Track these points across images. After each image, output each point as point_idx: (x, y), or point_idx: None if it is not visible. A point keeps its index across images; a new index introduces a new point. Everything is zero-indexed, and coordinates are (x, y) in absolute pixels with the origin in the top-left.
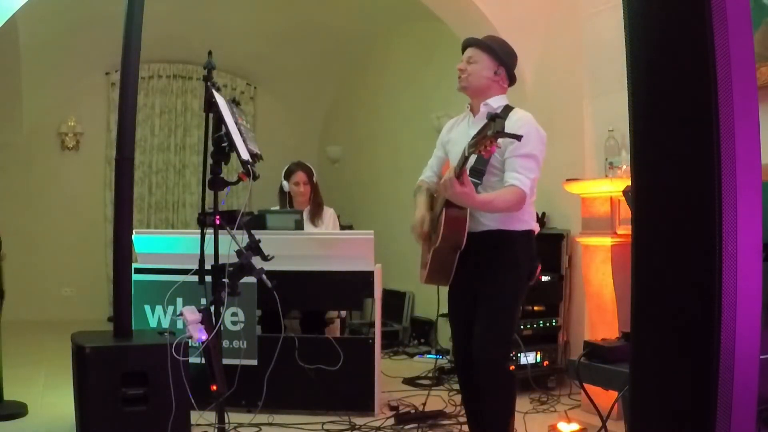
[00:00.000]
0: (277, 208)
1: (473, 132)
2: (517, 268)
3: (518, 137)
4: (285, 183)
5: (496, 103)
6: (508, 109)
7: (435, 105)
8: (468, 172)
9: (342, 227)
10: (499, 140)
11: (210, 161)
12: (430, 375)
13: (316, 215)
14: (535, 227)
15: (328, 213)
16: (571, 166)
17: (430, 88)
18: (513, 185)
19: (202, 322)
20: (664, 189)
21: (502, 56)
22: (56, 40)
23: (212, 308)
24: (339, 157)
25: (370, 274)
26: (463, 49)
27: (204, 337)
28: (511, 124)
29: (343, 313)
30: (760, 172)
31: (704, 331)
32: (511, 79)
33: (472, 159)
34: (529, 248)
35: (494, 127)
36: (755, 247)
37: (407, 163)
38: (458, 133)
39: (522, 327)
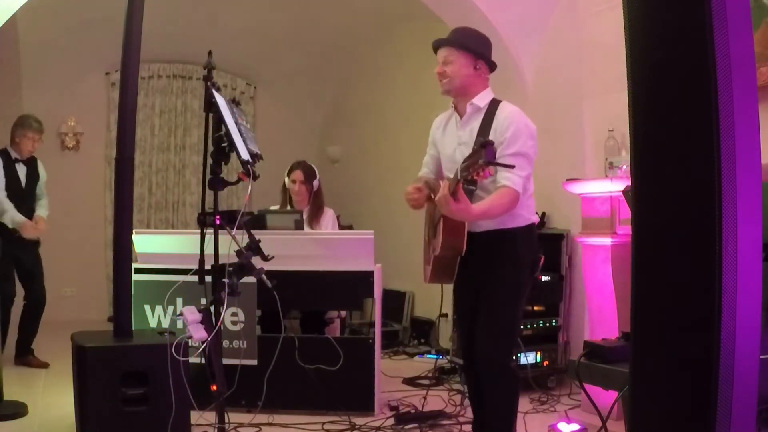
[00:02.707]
0: (278, 206)
1: (463, 133)
2: (519, 263)
3: (511, 166)
4: (286, 179)
5: (483, 101)
6: (495, 103)
7: (435, 105)
8: (462, 184)
9: (342, 227)
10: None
11: (210, 161)
12: (430, 375)
13: (314, 219)
14: (535, 219)
15: (327, 215)
16: (571, 166)
17: (430, 87)
18: (505, 186)
19: (202, 322)
20: (664, 189)
21: (477, 48)
22: (56, 40)
23: (212, 308)
24: (339, 157)
25: (370, 274)
26: (435, 50)
27: (204, 337)
28: (498, 123)
29: (343, 313)
30: (760, 172)
31: (704, 331)
32: (491, 67)
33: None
34: (530, 242)
35: (485, 157)
36: (755, 247)
37: (407, 163)
38: (448, 135)
39: (522, 327)
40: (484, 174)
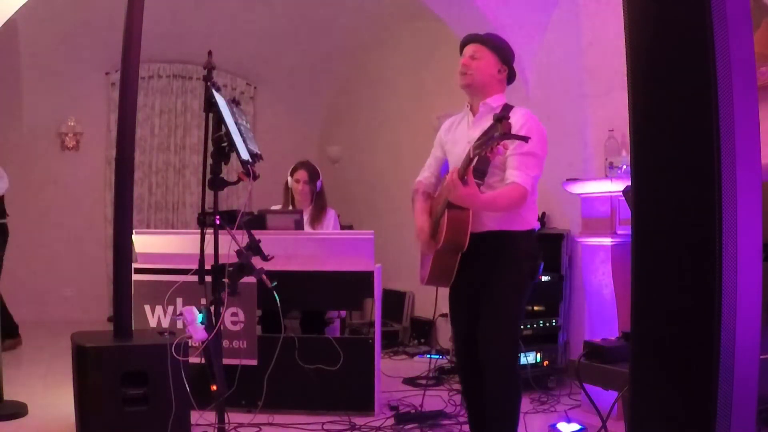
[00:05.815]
0: (279, 206)
1: (474, 132)
2: (520, 267)
3: (525, 139)
4: (289, 179)
5: (496, 102)
6: (508, 107)
7: (435, 105)
8: (473, 169)
9: (342, 227)
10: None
11: (210, 161)
12: (430, 375)
13: (316, 220)
14: (537, 225)
15: (329, 216)
16: (571, 166)
17: (430, 88)
18: (514, 182)
19: (202, 322)
20: (664, 189)
21: (506, 55)
22: (56, 40)
23: (212, 308)
24: (339, 157)
25: (370, 274)
26: (464, 45)
27: (204, 337)
28: (512, 124)
29: (343, 313)
30: (760, 172)
31: (704, 331)
32: (510, 79)
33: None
34: (531, 247)
35: (501, 129)
36: (755, 247)
37: (407, 163)
38: (458, 134)
39: (522, 327)
40: (497, 149)
